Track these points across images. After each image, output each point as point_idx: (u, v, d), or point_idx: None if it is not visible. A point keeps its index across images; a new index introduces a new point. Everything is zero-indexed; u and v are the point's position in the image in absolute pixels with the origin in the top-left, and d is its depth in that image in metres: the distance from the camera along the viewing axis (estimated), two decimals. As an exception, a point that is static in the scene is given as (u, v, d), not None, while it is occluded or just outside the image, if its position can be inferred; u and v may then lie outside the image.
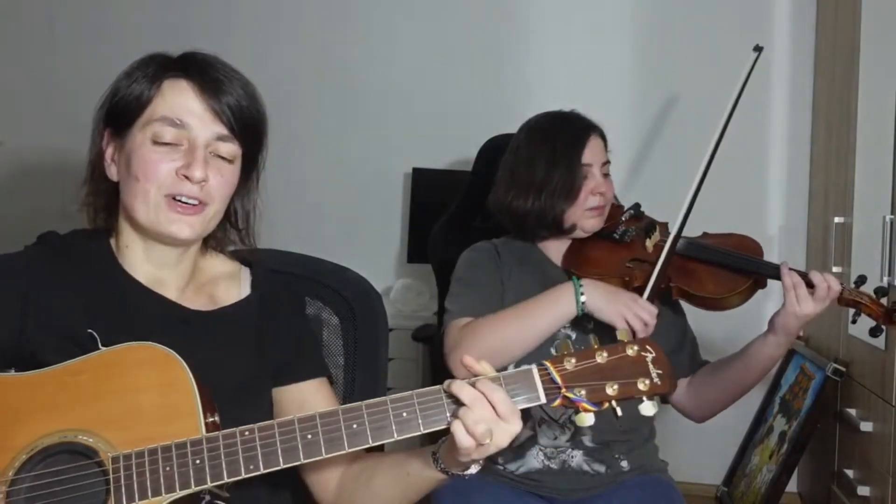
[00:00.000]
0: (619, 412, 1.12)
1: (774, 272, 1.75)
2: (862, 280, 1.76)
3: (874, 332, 1.73)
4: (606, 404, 1.12)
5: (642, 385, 1.12)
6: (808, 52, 3.18)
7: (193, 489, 1.07)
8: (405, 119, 3.41)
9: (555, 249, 1.88)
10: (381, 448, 1.27)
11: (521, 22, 3.36)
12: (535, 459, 1.78)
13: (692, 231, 1.89)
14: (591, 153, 1.83)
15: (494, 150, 2.47)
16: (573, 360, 1.12)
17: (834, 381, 2.57)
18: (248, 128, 1.25)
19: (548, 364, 1.13)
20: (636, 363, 1.13)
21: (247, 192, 1.33)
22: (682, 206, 1.82)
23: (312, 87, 3.46)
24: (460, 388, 1.09)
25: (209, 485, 1.08)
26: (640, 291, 1.76)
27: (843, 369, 2.56)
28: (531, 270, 1.85)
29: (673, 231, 1.81)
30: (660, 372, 1.13)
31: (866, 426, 2.37)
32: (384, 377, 1.47)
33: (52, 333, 1.18)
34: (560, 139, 1.83)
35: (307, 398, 1.29)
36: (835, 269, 2.63)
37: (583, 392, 1.11)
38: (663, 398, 1.89)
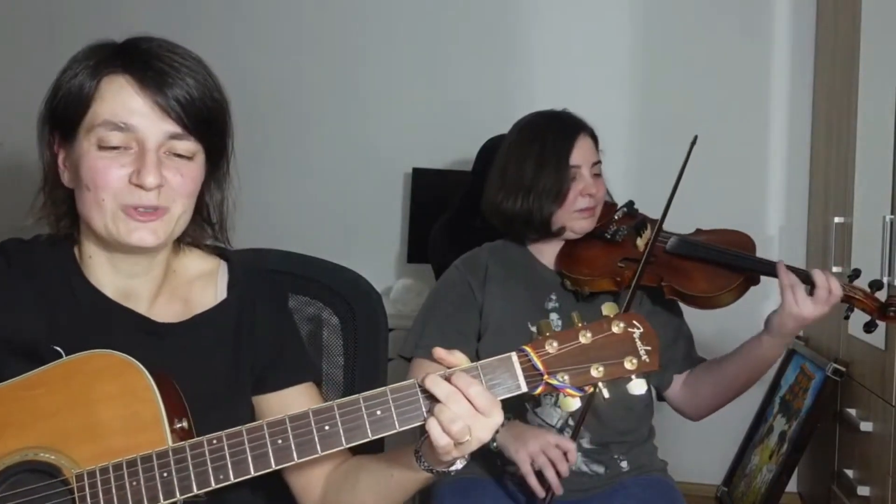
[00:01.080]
0: (606, 394, 1.06)
1: (769, 269, 1.71)
2: (856, 274, 1.72)
3: (868, 328, 1.69)
4: (592, 387, 1.06)
5: (629, 364, 1.05)
6: (808, 52, 3.18)
7: (162, 503, 1.03)
8: (405, 119, 3.41)
9: (548, 253, 1.87)
10: (380, 446, 1.24)
11: (522, 22, 3.36)
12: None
13: (687, 227, 1.88)
14: (579, 154, 1.80)
15: (494, 150, 2.45)
16: (555, 343, 1.05)
17: (834, 381, 2.57)
18: (202, 121, 1.13)
19: (528, 349, 1.06)
20: (623, 341, 1.06)
21: (216, 184, 1.22)
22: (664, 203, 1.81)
23: (312, 86, 3.46)
24: (434, 383, 1.03)
25: (178, 497, 1.03)
26: (637, 290, 1.75)
27: (843, 369, 2.55)
28: (521, 277, 1.84)
29: (655, 229, 1.80)
30: (648, 348, 1.06)
31: (866, 426, 2.37)
32: (384, 377, 1.47)
33: (9, 350, 1.11)
34: (548, 140, 1.81)
35: (291, 404, 1.20)
36: (835, 269, 2.62)
37: (566, 377, 1.04)
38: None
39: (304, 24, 3.48)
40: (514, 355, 1.06)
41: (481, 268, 1.84)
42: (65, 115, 1.13)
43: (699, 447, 2.90)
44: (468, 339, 1.79)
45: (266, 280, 1.30)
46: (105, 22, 3.50)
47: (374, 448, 1.18)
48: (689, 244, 1.83)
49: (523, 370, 1.05)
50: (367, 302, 1.46)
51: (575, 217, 1.80)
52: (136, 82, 1.10)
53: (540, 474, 1.61)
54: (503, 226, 1.87)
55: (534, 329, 1.77)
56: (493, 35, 3.38)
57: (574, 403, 1.06)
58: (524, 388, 1.05)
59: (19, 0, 3.61)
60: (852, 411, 2.48)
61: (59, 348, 1.10)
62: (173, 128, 1.11)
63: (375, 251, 3.41)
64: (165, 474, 1.03)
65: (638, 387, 1.07)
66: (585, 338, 1.06)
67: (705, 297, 1.75)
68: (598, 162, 1.85)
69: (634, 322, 1.07)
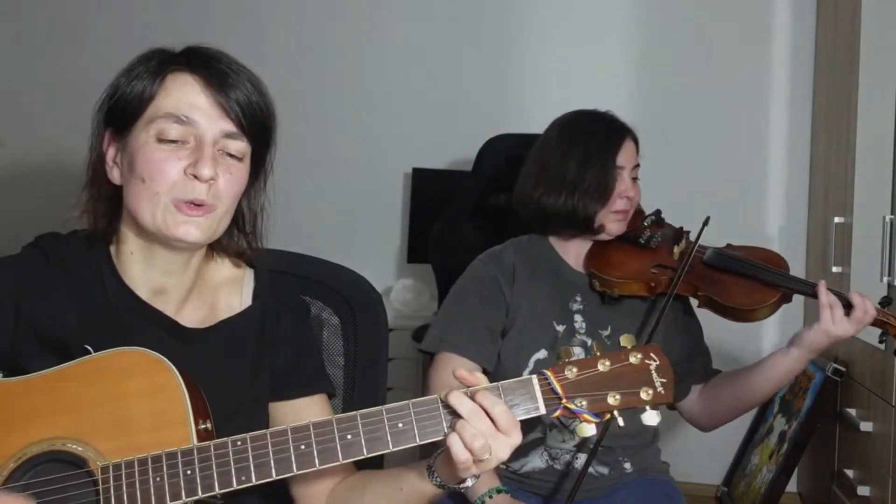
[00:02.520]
0: (621, 423, 1.09)
1: (807, 289, 1.74)
2: (887, 301, 1.76)
3: (882, 337, 1.74)
4: (608, 415, 1.09)
5: (645, 395, 1.09)
6: (808, 52, 3.18)
7: (184, 500, 1.05)
8: (405, 119, 3.41)
9: (574, 253, 1.86)
10: (380, 464, 1.26)
11: (522, 22, 3.36)
12: (538, 459, 1.78)
13: (715, 242, 1.89)
14: (624, 156, 1.81)
15: (494, 150, 2.48)
16: (574, 369, 1.09)
17: (834, 381, 2.57)
18: (257, 124, 1.20)
19: (548, 373, 1.09)
20: (639, 372, 1.10)
21: (254, 193, 1.27)
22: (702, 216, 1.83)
23: (312, 86, 3.46)
24: (458, 399, 1.06)
25: (200, 496, 1.05)
26: (663, 297, 1.76)
27: (843, 369, 2.56)
28: (547, 276, 1.83)
29: (695, 240, 1.82)
30: (664, 381, 1.10)
31: (866, 426, 2.37)
32: (384, 377, 1.47)
33: (41, 342, 1.14)
34: (595, 139, 1.81)
35: (302, 415, 1.23)
36: (835, 269, 2.63)
37: (584, 403, 1.08)
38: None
39: (304, 24, 3.48)
40: (534, 378, 1.09)
41: (508, 264, 1.82)
42: (125, 110, 1.16)
43: (699, 447, 2.90)
44: (495, 336, 1.77)
45: (290, 291, 1.34)
46: (106, 22, 3.50)
47: (372, 465, 1.20)
48: (727, 257, 1.84)
49: (543, 392, 1.08)
50: (367, 302, 1.46)
51: (611, 218, 1.81)
52: (201, 80, 1.16)
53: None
54: (539, 220, 1.85)
55: (560, 328, 1.77)
56: (493, 35, 3.38)
57: (590, 430, 1.09)
58: (543, 411, 1.08)
59: (19, 0, 3.61)
60: (852, 411, 2.48)
61: (89, 347, 1.12)
62: (230, 127, 1.16)
63: (375, 251, 3.41)
64: (189, 472, 1.05)
65: (651, 418, 1.10)
66: (604, 366, 1.10)
67: (743, 309, 1.78)
68: (638, 166, 1.86)
69: (652, 354, 1.11)
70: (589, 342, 1.78)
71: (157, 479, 1.05)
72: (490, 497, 1.59)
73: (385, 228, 3.45)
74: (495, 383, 1.09)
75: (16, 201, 3.48)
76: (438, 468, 1.12)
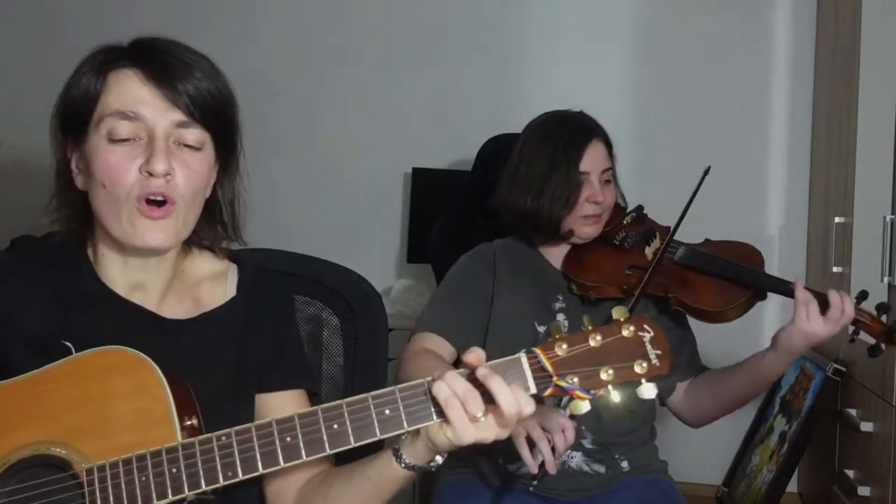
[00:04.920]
0: (617, 398, 1.05)
1: (781, 286, 1.70)
2: (863, 296, 1.71)
3: (873, 352, 1.68)
4: (601, 391, 1.04)
5: (639, 368, 1.04)
6: (808, 52, 3.18)
7: (171, 499, 1.03)
8: (405, 119, 3.41)
9: (556, 253, 1.86)
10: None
11: (522, 22, 3.36)
12: (534, 459, 1.77)
13: (695, 237, 1.87)
14: (589, 160, 1.79)
15: (494, 150, 2.48)
16: (565, 345, 1.04)
17: (834, 381, 2.57)
18: (210, 110, 1.15)
19: (537, 351, 1.05)
20: (633, 344, 1.05)
21: (228, 182, 1.23)
22: (676, 215, 1.80)
23: (312, 86, 3.46)
24: (453, 379, 1.03)
25: (187, 493, 1.03)
26: (642, 298, 1.75)
27: (843, 369, 2.56)
28: (529, 276, 1.83)
29: (666, 239, 1.79)
30: (658, 352, 1.05)
31: (866, 426, 2.37)
32: (384, 377, 1.47)
33: (22, 345, 1.13)
34: (560, 143, 1.80)
35: (281, 408, 1.20)
36: (835, 269, 2.63)
37: (575, 379, 1.03)
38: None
39: (305, 24, 3.48)
40: (523, 356, 1.05)
41: (490, 260, 1.84)
42: (75, 115, 1.14)
43: (699, 447, 2.90)
44: (476, 324, 1.78)
45: (274, 283, 1.31)
46: (106, 22, 3.49)
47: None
48: (697, 256, 1.81)
49: (532, 371, 1.04)
50: (367, 302, 1.46)
51: (580, 222, 1.80)
52: (142, 73, 1.12)
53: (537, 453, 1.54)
54: (513, 223, 1.86)
55: (541, 329, 1.77)
56: (493, 35, 3.38)
57: (584, 406, 1.04)
58: (533, 390, 1.04)
59: (19, 0, 3.61)
60: (852, 411, 2.48)
61: (68, 343, 1.11)
62: (180, 116, 1.13)
63: (375, 251, 3.41)
64: (174, 470, 1.03)
65: (648, 391, 1.05)
66: (595, 341, 1.05)
67: (711, 311, 1.75)
68: (609, 168, 1.83)
69: (645, 326, 1.06)
70: (567, 321, 1.78)
71: (143, 478, 1.03)
72: None
73: (385, 228, 3.45)
74: (483, 364, 1.05)
75: (15, 201, 3.48)
76: (406, 450, 1.09)
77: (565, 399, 1.59)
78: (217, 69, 1.18)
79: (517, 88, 3.31)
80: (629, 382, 1.05)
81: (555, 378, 1.04)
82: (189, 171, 1.13)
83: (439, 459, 1.09)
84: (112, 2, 3.52)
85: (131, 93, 1.12)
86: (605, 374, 1.04)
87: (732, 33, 3.24)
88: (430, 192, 3.26)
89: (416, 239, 3.24)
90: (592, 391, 1.04)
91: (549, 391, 1.04)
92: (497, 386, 1.02)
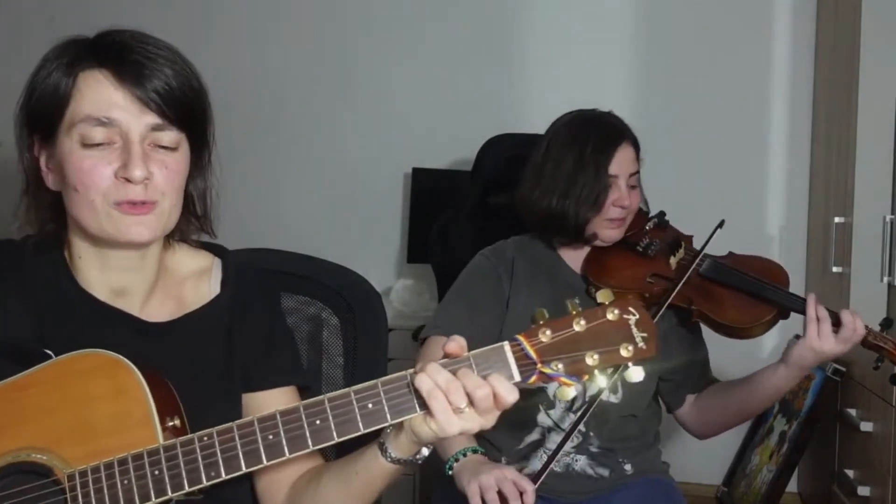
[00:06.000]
0: (603, 383, 1.03)
1: (800, 306, 1.68)
2: (888, 324, 1.70)
3: (894, 380, 1.68)
4: (587, 376, 1.03)
5: (625, 351, 1.02)
6: (808, 52, 3.18)
7: (155, 501, 1.02)
8: (405, 119, 3.41)
9: (573, 255, 1.84)
10: None
11: (522, 22, 3.35)
12: (538, 461, 1.77)
13: (719, 250, 1.85)
14: (618, 164, 1.77)
15: (494, 150, 2.48)
16: (549, 331, 1.03)
17: (834, 381, 2.57)
18: (183, 110, 1.12)
19: (521, 338, 1.03)
20: (618, 328, 1.03)
21: (200, 174, 1.20)
22: (708, 231, 1.79)
23: (312, 86, 3.46)
24: (434, 371, 1.01)
25: (171, 495, 1.02)
26: (655, 308, 1.73)
27: (843, 369, 2.55)
28: (546, 276, 1.81)
29: (696, 258, 1.77)
30: (644, 335, 1.03)
31: (866, 426, 2.37)
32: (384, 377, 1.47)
33: (1, 352, 1.11)
34: (589, 145, 1.77)
35: (270, 408, 1.17)
36: (835, 269, 2.63)
37: (560, 366, 1.01)
38: (669, 410, 1.88)
39: (305, 23, 3.47)
40: (506, 344, 1.04)
41: (508, 259, 1.81)
42: (43, 116, 1.11)
43: (699, 447, 2.88)
44: (491, 326, 1.75)
45: (258, 279, 1.29)
46: (106, 22, 3.49)
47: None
48: (725, 271, 1.79)
49: (516, 359, 1.03)
50: (367, 302, 1.46)
51: (605, 226, 1.78)
52: (113, 76, 1.09)
53: None
54: (536, 223, 1.84)
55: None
56: (494, 35, 3.38)
57: (570, 392, 1.03)
58: (517, 378, 1.03)
59: (19, 0, 3.61)
60: (852, 411, 2.48)
61: (49, 351, 1.09)
62: (155, 119, 1.10)
63: (375, 251, 3.40)
64: (157, 472, 1.02)
65: (636, 374, 1.04)
66: (580, 325, 1.03)
67: (735, 327, 1.73)
68: (636, 172, 1.81)
69: (630, 308, 1.04)
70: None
71: (125, 481, 1.02)
72: (464, 455, 1.54)
73: (385, 228, 3.44)
74: (466, 354, 1.04)
75: (15, 201, 3.48)
76: (390, 443, 1.08)
77: (552, 386, 1.58)
78: (186, 62, 1.14)
79: (517, 88, 3.30)
80: (615, 366, 1.04)
81: (539, 365, 1.02)
82: (167, 171, 1.11)
83: (425, 452, 1.08)
84: (112, 2, 3.52)
85: (103, 97, 1.09)
86: (591, 360, 1.02)
87: (732, 33, 3.24)
88: (430, 192, 3.26)
89: (416, 239, 3.24)
90: (578, 377, 1.03)
91: (533, 378, 1.03)
92: (469, 381, 1.01)
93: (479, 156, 2.55)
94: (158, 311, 1.20)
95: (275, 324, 1.28)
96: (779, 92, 3.22)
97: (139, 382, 1.06)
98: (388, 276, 3.38)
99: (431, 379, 1.01)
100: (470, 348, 1.68)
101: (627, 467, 1.80)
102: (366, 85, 3.43)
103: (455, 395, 1.00)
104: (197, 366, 1.18)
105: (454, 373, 1.02)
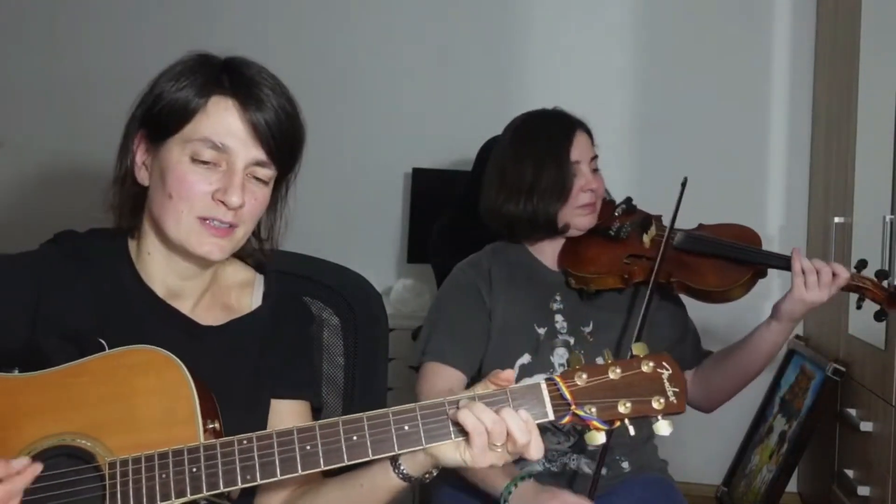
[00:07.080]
0: (633, 431, 1.08)
1: (781, 262, 1.73)
2: (862, 265, 1.74)
3: (879, 317, 1.72)
4: (618, 423, 1.08)
5: (657, 404, 1.08)
6: (808, 52, 3.19)
7: (189, 497, 1.06)
8: (405, 119, 3.42)
9: (549, 253, 1.86)
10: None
11: (522, 22, 3.36)
12: (536, 462, 1.77)
13: (688, 223, 1.88)
14: (578, 150, 1.79)
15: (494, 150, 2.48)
16: (584, 375, 1.08)
17: (834, 381, 2.57)
18: (286, 150, 1.21)
19: (557, 379, 1.08)
20: (651, 380, 1.09)
21: (273, 206, 1.29)
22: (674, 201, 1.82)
23: (311, 86, 3.44)
24: (480, 410, 1.06)
25: (205, 493, 1.06)
26: (642, 287, 1.75)
27: (843, 369, 2.56)
28: (524, 279, 1.83)
29: (668, 229, 1.80)
30: (676, 390, 1.08)
31: (866, 426, 2.37)
32: (384, 377, 1.47)
33: (60, 336, 1.16)
34: (545, 138, 1.80)
35: (280, 416, 1.26)
36: (835, 269, 2.63)
37: (593, 410, 1.07)
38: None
39: (305, 23, 3.48)
40: (542, 383, 1.09)
41: (485, 269, 1.83)
42: (163, 122, 1.18)
43: (699, 447, 2.90)
44: (479, 344, 1.77)
45: (297, 294, 1.37)
46: (107, 21, 3.50)
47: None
48: (696, 239, 1.83)
49: (551, 398, 1.08)
50: (367, 302, 1.46)
51: (577, 213, 1.79)
52: (239, 107, 1.17)
53: None
54: (505, 228, 1.85)
55: (541, 331, 1.77)
56: (494, 35, 3.38)
57: (600, 437, 1.08)
58: (551, 416, 1.08)
59: (19, 0, 3.61)
60: (852, 411, 2.48)
61: (102, 341, 1.14)
62: (261, 155, 1.18)
63: (375, 251, 3.41)
64: (195, 469, 1.06)
65: (664, 428, 1.08)
66: (615, 373, 1.09)
67: (717, 291, 1.77)
68: (596, 157, 1.84)
69: (664, 363, 1.09)
70: (571, 341, 1.78)
71: (163, 475, 1.06)
72: (515, 486, 1.57)
73: (385, 228, 3.45)
74: (504, 388, 1.09)
75: (15, 201, 3.49)
76: (405, 461, 1.12)
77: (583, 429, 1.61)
78: (294, 103, 1.22)
79: (517, 88, 3.31)
80: (645, 417, 1.08)
81: (573, 407, 1.07)
82: (255, 202, 1.20)
83: (434, 472, 1.13)
84: (112, 2, 3.52)
85: (225, 124, 1.16)
86: (623, 407, 1.07)
87: (732, 33, 3.25)
88: (430, 192, 3.26)
89: (416, 239, 3.24)
90: (609, 423, 1.07)
91: (566, 419, 1.08)
92: (513, 424, 1.06)
93: (479, 156, 2.56)
94: (206, 314, 1.26)
95: (302, 342, 1.34)
96: (779, 92, 3.23)
97: (188, 382, 1.10)
98: (388, 276, 3.38)
99: (477, 418, 1.06)
100: (462, 367, 1.71)
101: (625, 465, 1.81)
102: (366, 85, 3.44)
103: (498, 436, 1.06)
104: (233, 369, 1.24)
105: (497, 411, 1.06)
